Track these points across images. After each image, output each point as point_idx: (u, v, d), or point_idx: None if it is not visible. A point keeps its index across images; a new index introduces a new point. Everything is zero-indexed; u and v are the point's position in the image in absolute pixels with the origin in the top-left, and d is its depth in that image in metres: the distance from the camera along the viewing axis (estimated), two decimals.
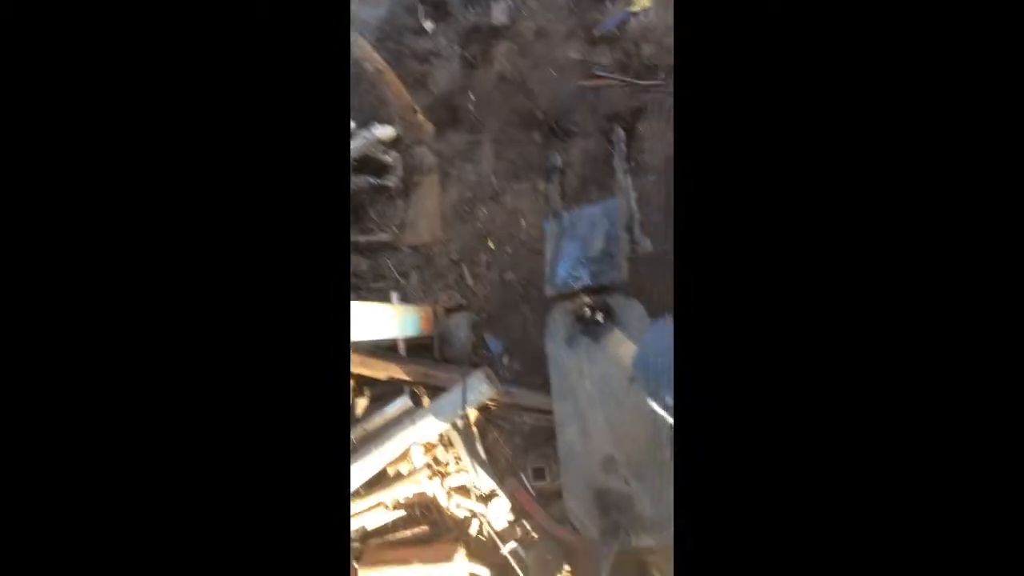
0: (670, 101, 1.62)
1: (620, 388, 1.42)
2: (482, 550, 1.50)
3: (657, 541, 1.30)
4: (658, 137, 1.60)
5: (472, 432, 1.54)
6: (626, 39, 1.72)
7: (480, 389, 1.47)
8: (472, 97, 1.83)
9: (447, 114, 1.83)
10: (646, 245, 1.45)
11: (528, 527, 1.47)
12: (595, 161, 1.66)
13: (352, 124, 1.70)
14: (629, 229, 1.48)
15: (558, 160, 1.66)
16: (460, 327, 1.63)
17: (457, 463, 1.53)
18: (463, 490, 1.54)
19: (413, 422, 1.47)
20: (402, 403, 1.54)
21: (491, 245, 1.71)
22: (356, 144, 1.70)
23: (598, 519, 1.36)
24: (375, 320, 1.51)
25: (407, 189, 1.77)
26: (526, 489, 1.46)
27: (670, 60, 1.65)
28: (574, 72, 1.74)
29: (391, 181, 1.75)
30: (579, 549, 1.39)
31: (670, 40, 1.66)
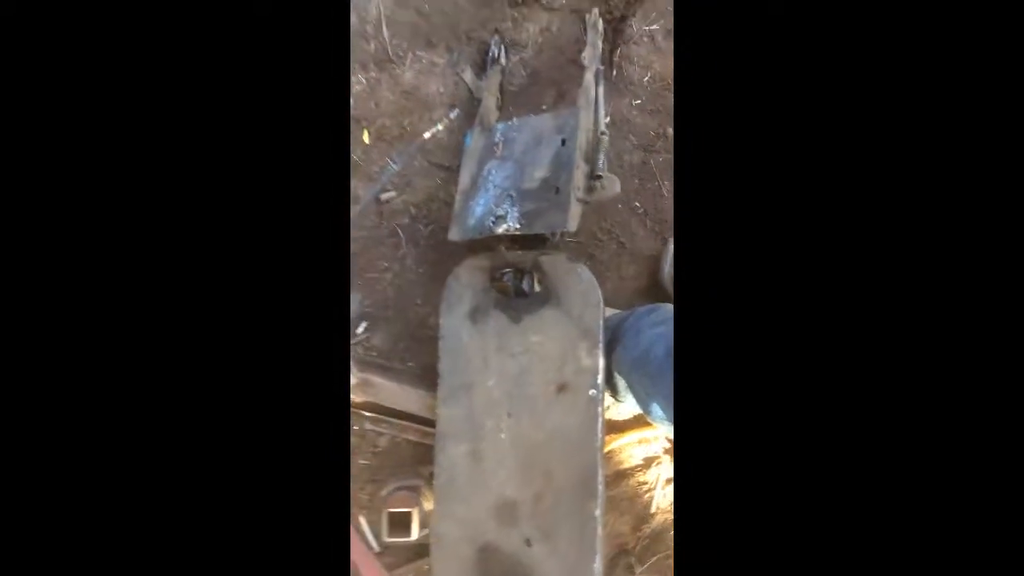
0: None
1: (544, 393, 0.93)
2: None
3: None
4: (654, 48, 1.10)
5: None
6: None
7: None
8: None
9: None
10: (612, 187, 0.94)
11: None
12: (557, 52, 1.10)
13: None
14: (591, 158, 0.96)
15: (499, 50, 1.06)
16: None
17: None
18: None
19: None
20: None
21: (366, 139, 1.06)
22: None
23: None
24: None
25: None
26: (367, 546, 0.91)
27: None
28: None
29: None
30: None
31: None
